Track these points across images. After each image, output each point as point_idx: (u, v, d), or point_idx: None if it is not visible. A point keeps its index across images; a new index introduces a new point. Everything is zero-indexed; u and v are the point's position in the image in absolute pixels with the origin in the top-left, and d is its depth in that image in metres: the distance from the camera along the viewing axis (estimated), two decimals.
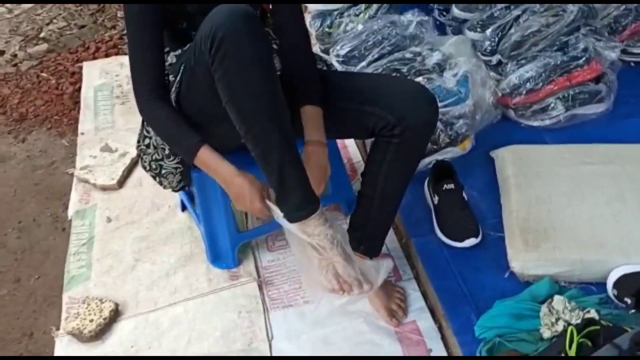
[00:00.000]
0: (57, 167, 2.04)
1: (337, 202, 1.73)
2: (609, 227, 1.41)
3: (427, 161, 1.65)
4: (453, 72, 1.71)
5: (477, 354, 1.25)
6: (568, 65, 1.78)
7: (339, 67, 1.86)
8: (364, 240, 1.42)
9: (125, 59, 2.48)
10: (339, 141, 1.72)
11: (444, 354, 1.37)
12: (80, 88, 2.35)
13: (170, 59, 1.33)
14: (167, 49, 1.33)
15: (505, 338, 1.25)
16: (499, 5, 1.96)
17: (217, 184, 1.43)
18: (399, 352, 1.38)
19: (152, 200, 1.85)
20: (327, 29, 2.09)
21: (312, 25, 2.13)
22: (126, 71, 2.39)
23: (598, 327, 1.13)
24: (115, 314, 1.52)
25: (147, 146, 1.39)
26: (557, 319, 1.23)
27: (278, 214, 1.22)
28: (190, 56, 1.21)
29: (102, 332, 1.48)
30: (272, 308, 1.52)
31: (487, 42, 1.90)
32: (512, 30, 1.87)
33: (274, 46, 1.35)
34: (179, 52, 1.31)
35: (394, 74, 1.74)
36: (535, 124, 1.82)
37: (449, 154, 1.70)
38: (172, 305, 1.54)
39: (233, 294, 1.56)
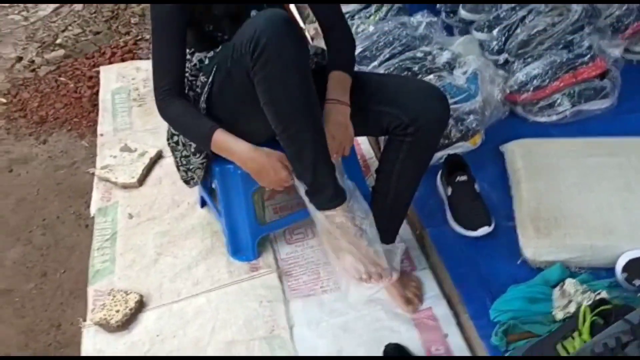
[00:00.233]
0: (78, 167, 2.10)
1: None
2: (617, 214, 1.46)
3: (439, 155, 1.71)
4: (463, 69, 1.77)
5: (493, 336, 1.30)
6: (573, 62, 1.84)
7: None
8: (379, 232, 1.47)
9: (141, 63, 2.55)
10: None
11: (459, 338, 1.42)
12: (97, 91, 2.41)
13: (196, 59, 1.39)
14: (192, 50, 1.40)
15: (520, 320, 1.30)
16: (505, 7, 2.03)
17: (238, 177, 1.50)
18: (416, 338, 1.44)
19: (172, 197, 1.91)
20: None
21: None
22: (142, 75, 2.47)
23: (610, 306, 1.18)
24: (140, 305, 1.57)
25: (177, 143, 1.46)
26: (569, 301, 1.28)
27: (300, 189, 1.30)
28: (226, 57, 1.27)
29: (128, 322, 1.53)
30: (292, 298, 1.57)
31: (495, 42, 1.97)
32: (519, 30, 1.94)
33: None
34: (211, 53, 1.36)
35: (405, 73, 1.81)
36: (543, 119, 1.88)
37: (460, 148, 1.75)
38: (195, 296, 1.60)
39: (253, 285, 1.61)
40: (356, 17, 2.12)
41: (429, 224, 1.62)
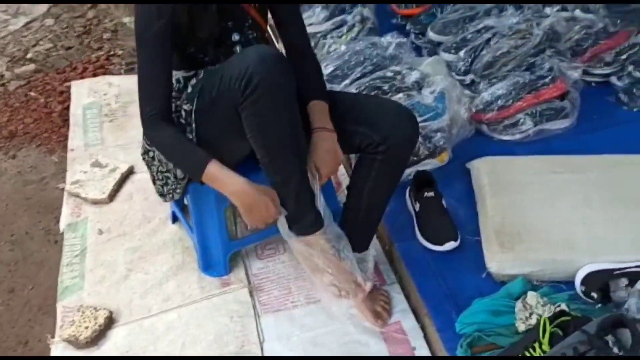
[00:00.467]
0: (48, 182, 2.09)
1: None
2: (577, 229, 1.52)
3: (408, 172, 1.75)
4: (431, 89, 1.83)
5: (459, 348, 1.33)
6: (535, 83, 1.92)
7: None
8: (351, 243, 1.51)
9: (113, 79, 2.55)
10: None
11: (427, 351, 1.45)
12: (68, 107, 2.40)
13: (174, 78, 1.39)
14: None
15: (484, 333, 1.34)
16: (471, 29, 2.11)
17: (211, 193, 1.51)
18: (384, 351, 1.46)
19: (143, 213, 1.90)
20: None
21: None
22: (114, 90, 2.47)
23: (568, 318, 1.23)
24: (110, 321, 1.57)
25: (152, 158, 1.47)
26: (531, 314, 1.33)
27: (283, 223, 1.37)
28: (212, 86, 1.29)
29: (97, 338, 1.52)
30: (262, 312, 1.58)
31: (461, 63, 2.04)
32: (484, 52, 2.01)
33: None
34: (191, 72, 1.39)
35: (375, 91, 1.86)
36: (507, 138, 1.94)
37: (428, 165, 1.80)
38: (166, 311, 1.60)
39: (225, 300, 1.62)
40: (328, 36, 2.18)
41: (397, 238, 1.66)
